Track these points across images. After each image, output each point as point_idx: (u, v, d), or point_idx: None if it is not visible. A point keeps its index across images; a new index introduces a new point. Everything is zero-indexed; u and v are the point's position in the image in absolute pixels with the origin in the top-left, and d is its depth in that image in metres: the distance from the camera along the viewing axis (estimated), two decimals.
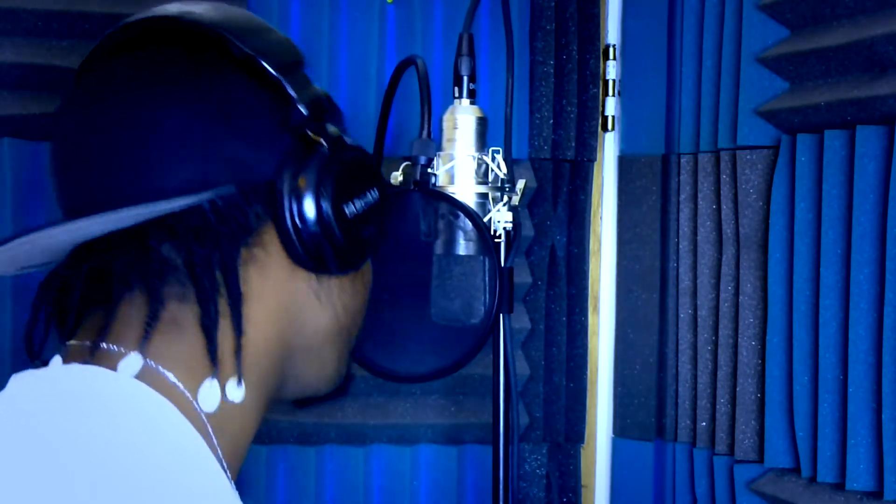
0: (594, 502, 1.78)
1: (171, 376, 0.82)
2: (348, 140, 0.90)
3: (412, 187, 1.31)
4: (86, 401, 0.80)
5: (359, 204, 0.89)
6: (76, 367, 0.82)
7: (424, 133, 1.31)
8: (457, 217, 1.32)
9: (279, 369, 0.89)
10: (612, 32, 1.76)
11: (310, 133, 0.86)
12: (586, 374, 1.77)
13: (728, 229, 1.56)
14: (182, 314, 0.83)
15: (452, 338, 1.34)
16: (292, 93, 0.85)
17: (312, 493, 1.70)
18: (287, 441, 1.70)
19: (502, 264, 1.36)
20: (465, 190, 1.35)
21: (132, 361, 0.81)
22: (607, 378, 1.77)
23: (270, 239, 0.86)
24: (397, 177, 1.34)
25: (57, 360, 0.84)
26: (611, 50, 1.75)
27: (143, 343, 0.82)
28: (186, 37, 0.86)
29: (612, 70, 1.75)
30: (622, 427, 1.75)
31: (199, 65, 0.85)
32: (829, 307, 1.40)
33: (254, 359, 0.86)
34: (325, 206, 0.85)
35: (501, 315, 1.39)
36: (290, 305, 0.88)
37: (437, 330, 1.35)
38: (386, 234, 0.93)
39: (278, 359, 0.89)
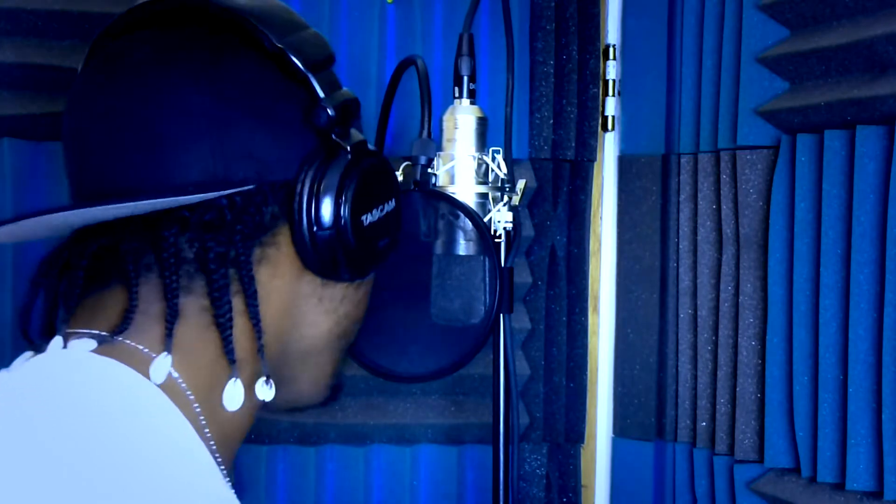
0: (594, 502, 1.78)
1: (179, 379, 0.80)
2: (370, 146, 0.88)
3: (412, 187, 1.31)
4: (88, 394, 0.77)
5: (376, 213, 0.87)
6: (91, 359, 0.79)
7: (424, 133, 1.31)
8: (457, 217, 1.32)
9: (276, 371, 0.87)
10: (612, 32, 1.76)
11: (334, 136, 0.84)
12: (586, 374, 1.77)
13: (728, 229, 1.56)
14: (189, 309, 0.81)
15: (452, 338, 1.34)
16: (321, 92, 0.84)
17: (312, 493, 1.70)
18: (287, 441, 1.70)
19: (502, 264, 1.36)
20: (465, 190, 1.35)
21: (163, 363, 0.79)
22: (607, 378, 1.77)
23: (284, 240, 0.84)
24: (397, 177, 1.34)
25: (57, 342, 0.81)
26: (611, 50, 1.75)
27: (168, 341, 0.79)
28: (216, 21, 0.83)
29: (612, 70, 1.75)
30: (622, 427, 1.75)
31: (227, 50, 0.83)
32: (829, 307, 1.40)
33: (248, 354, 0.84)
34: (344, 213, 0.83)
35: (501, 315, 1.39)
36: (294, 309, 0.87)
37: (437, 330, 1.35)
38: (398, 243, 0.92)
39: (277, 360, 0.87)
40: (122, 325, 0.80)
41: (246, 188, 0.81)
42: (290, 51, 0.83)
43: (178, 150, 0.80)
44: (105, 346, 0.80)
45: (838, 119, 1.38)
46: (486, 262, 1.32)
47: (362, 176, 0.85)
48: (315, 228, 0.83)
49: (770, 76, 1.49)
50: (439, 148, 1.37)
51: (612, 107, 1.76)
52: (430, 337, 1.36)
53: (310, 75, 0.83)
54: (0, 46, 1.55)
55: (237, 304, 0.82)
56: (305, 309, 0.88)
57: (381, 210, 0.88)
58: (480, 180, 1.36)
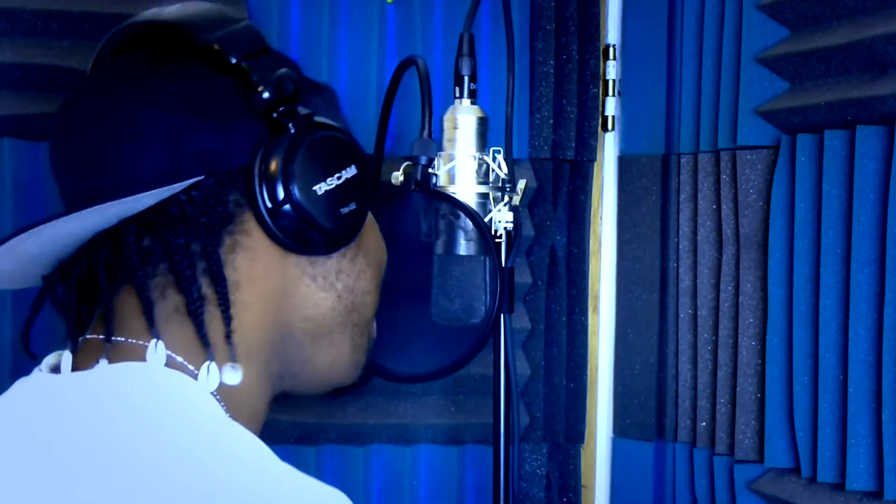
0: (594, 502, 1.78)
1: (185, 363, 0.85)
2: (325, 119, 0.90)
3: (413, 187, 1.31)
4: (134, 397, 0.82)
5: (332, 181, 0.88)
6: (111, 367, 0.84)
7: (425, 133, 1.31)
8: (457, 217, 1.32)
9: (283, 354, 0.91)
10: (612, 32, 1.76)
11: (276, 116, 0.86)
12: (586, 374, 1.77)
13: (728, 229, 1.56)
14: (178, 302, 0.86)
15: (453, 338, 1.34)
16: (254, 76, 0.86)
17: None
18: (287, 441, 1.70)
19: (503, 264, 1.36)
20: (465, 190, 1.35)
21: (158, 351, 0.84)
22: (607, 378, 1.77)
23: (253, 225, 0.87)
24: (398, 177, 1.34)
25: (67, 357, 0.87)
26: (611, 50, 1.75)
27: (153, 331, 0.84)
28: (156, 38, 0.89)
29: (612, 70, 1.75)
30: (622, 427, 1.75)
31: (164, 60, 0.88)
32: (829, 307, 1.40)
33: (253, 343, 0.88)
34: (294, 187, 0.86)
35: (502, 315, 1.39)
36: (286, 289, 0.90)
37: (438, 330, 1.35)
38: (366, 209, 0.93)
39: (280, 343, 0.90)
40: (108, 331, 0.86)
41: (195, 179, 0.84)
42: (218, 45, 0.86)
43: (136, 164, 0.85)
44: (115, 347, 0.85)
45: (838, 119, 1.38)
46: (487, 262, 1.32)
47: (308, 148, 0.87)
48: (271, 206, 0.86)
49: (770, 76, 1.49)
50: (440, 148, 1.37)
51: (612, 107, 1.76)
52: (431, 337, 1.36)
53: (242, 63, 0.86)
54: (0, 46, 1.55)
55: (210, 293, 0.86)
56: (302, 290, 0.90)
57: (339, 178, 0.89)
58: (481, 180, 1.36)
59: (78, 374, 0.86)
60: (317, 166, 0.87)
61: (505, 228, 1.36)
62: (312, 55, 1.66)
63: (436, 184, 1.35)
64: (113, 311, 0.86)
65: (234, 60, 0.86)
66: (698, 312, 1.61)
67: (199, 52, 0.87)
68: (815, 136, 1.42)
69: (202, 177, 0.84)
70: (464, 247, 1.33)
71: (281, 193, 0.86)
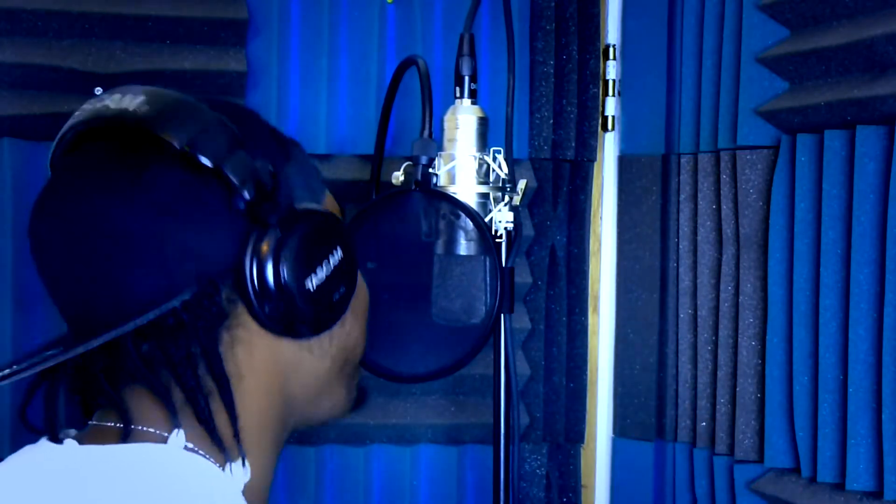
0: (594, 502, 1.78)
1: (204, 455, 0.87)
2: (303, 204, 0.90)
3: (413, 187, 1.31)
4: (156, 476, 0.84)
5: (322, 271, 0.89)
6: (132, 445, 0.86)
7: (426, 133, 1.31)
8: (458, 217, 1.32)
9: (286, 419, 0.95)
10: (612, 32, 1.76)
11: (261, 215, 0.86)
12: (586, 374, 1.77)
13: (728, 229, 1.56)
14: (184, 399, 0.87)
15: (453, 338, 1.34)
16: (234, 179, 0.85)
17: (312, 493, 1.70)
18: (287, 441, 1.70)
19: (503, 264, 1.36)
20: (466, 190, 1.35)
21: (179, 437, 0.85)
22: (607, 378, 1.77)
23: (248, 318, 0.88)
24: (398, 177, 1.34)
25: (70, 442, 0.88)
26: (611, 50, 1.75)
27: (175, 420, 0.86)
28: (127, 134, 0.86)
29: (612, 70, 1.75)
30: (622, 427, 1.75)
31: (143, 164, 0.85)
32: (829, 307, 1.40)
33: (258, 426, 0.91)
34: (288, 287, 0.87)
35: (502, 315, 1.39)
36: (284, 369, 0.92)
37: (438, 330, 1.35)
38: (354, 285, 0.94)
39: (283, 411, 0.93)
40: (128, 417, 0.87)
41: (190, 292, 0.84)
42: (194, 151, 0.84)
43: (131, 285, 0.84)
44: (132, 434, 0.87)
45: (838, 119, 1.39)
46: (487, 262, 1.32)
47: (297, 244, 0.87)
48: (267, 309, 0.87)
49: (770, 76, 1.49)
50: (440, 148, 1.37)
51: (612, 107, 1.76)
52: (431, 337, 1.36)
53: (219, 166, 0.85)
54: (0, 46, 1.55)
55: (214, 390, 0.87)
56: (296, 364, 0.92)
57: (328, 265, 0.90)
58: (481, 180, 1.36)
59: (97, 447, 0.87)
60: (305, 259, 0.88)
61: (505, 228, 1.36)
62: (312, 55, 1.66)
63: (436, 184, 1.35)
64: (123, 402, 0.87)
65: (209, 164, 0.84)
66: (698, 312, 1.61)
67: (177, 153, 0.85)
68: (815, 136, 1.42)
69: (196, 288, 0.84)
70: (464, 247, 1.33)
71: (275, 294, 0.86)
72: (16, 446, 0.92)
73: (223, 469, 0.86)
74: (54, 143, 0.91)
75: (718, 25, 1.57)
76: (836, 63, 1.40)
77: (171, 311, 0.84)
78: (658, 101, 1.70)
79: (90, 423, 0.90)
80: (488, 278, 1.33)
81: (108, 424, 0.88)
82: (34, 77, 1.56)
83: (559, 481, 1.77)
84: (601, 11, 1.75)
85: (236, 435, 0.87)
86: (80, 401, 0.91)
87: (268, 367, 0.90)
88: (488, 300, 1.32)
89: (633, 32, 1.74)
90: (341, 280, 0.91)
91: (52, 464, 0.86)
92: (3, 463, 0.90)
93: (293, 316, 0.88)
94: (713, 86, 1.58)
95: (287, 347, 0.91)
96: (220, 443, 0.86)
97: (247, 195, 0.85)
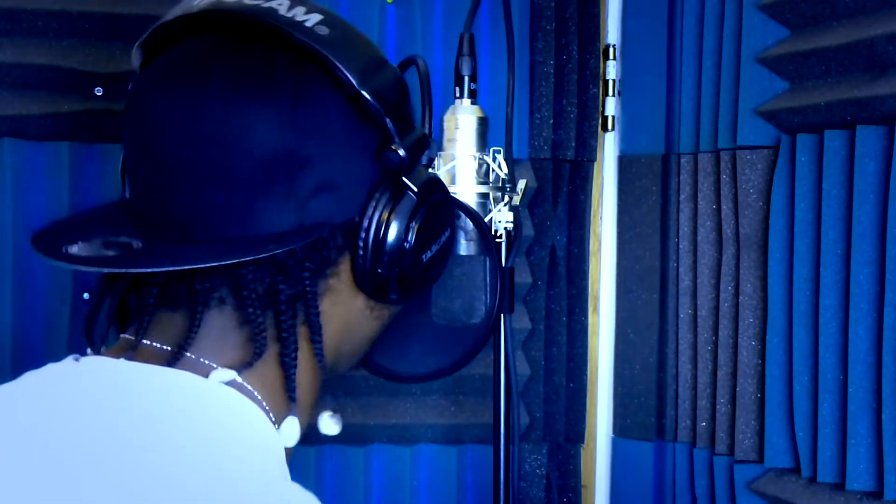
0: (594, 502, 1.78)
1: (259, 396, 0.82)
2: (432, 175, 0.88)
3: None
4: (184, 406, 0.79)
5: (434, 248, 0.88)
6: (166, 370, 0.80)
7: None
8: (458, 217, 1.32)
9: (324, 383, 0.90)
10: (612, 32, 1.76)
11: (404, 179, 0.84)
12: (586, 374, 1.77)
13: (728, 229, 1.56)
14: (260, 339, 0.82)
15: (453, 338, 1.34)
16: (396, 136, 0.83)
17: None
18: None
19: (503, 264, 1.36)
20: (466, 190, 1.35)
21: (223, 374, 0.81)
22: (607, 378, 1.77)
23: (345, 269, 0.85)
24: None
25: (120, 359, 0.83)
26: (611, 50, 1.75)
27: (256, 355, 0.81)
28: (298, 52, 0.81)
29: (612, 70, 1.75)
30: (622, 427, 1.75)
31: (309, 89, 0.81)
32: (829, 307, 1.40)
33: (308, 389, 0.87)
34: (407, 255, 0.84)
35: (502, 315, 1.39)
36: (350, 325, 0.89)
37: (438, 330, 1.35)
38: (446, 266, 0.93)
39: (330, 364, 0.89)
40: (187, 342, 0.81)
41: (320, 234, 0.81)
42: (371, 96, 0.82)
43: (256, 195, 0.79)
44: (179, 360, 0.81)
45: (838, 119, 1.38)
46: (487, 262, 1.32)
47: (426, 217, 0.85)
48: (379, 270, 0.84)
49: (770, 76, 1.49)
50: (440, 148, 1.37)
51: (612, 107, 1.76)
52: (431, 337, 1.36)
53: (387, 119, 0.83)
54: (0, 46, 1.55)
55: (302, 333, 0.84)
56: (358, 323, 0.90)
57: (439, 244, 0.89)
58: (481, 180, 1.36)
59: (152, 367, 0.81)
60: (428, 235, 0.86)
61: (505, 228, 1.36)
62: None
63: None
64: (176, 324, 0.83)
65: (379, 109, 0.81)
66: (698, 312, 1.61)
67: (347, 91, 0.81)
68: (815, 136, 1.42)
69: (325, 232, 0.81)
70: (464, 247, 1.33)
71: (392, 258, 0.84)
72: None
73: (276, 424, 0.82)
74: (153, 32, 0.85)
75: (718, 25, 1.57)
76: (836, 63, 1.40)
77: (290, 251, 0.80)
78: (658, 101, 1.70)
79: (123, 335, 0.84)
80: (488, 278, 1.33)
81: (155, 345, 0.82)
82: (34, 77, 1.57)
83: (559, 481, 1.77)
84: (601, 11, 1.75)
85: (323, 385, 0.84)
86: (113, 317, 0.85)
87: (341, 320, 0.87)
88: (488, 300, 1.32)
89: (633, 32, 1.74)
90: (445, 257, 0.90)
91: (103, 376, 0.82)
92: (47, 368, 0.86)
93: (396, 283, 0.85)
94: (713, 86, 1.58)
95: (359, 304, 0.88)
96: (293, 390, 0.82)
97: (402, 153, 0.83)
